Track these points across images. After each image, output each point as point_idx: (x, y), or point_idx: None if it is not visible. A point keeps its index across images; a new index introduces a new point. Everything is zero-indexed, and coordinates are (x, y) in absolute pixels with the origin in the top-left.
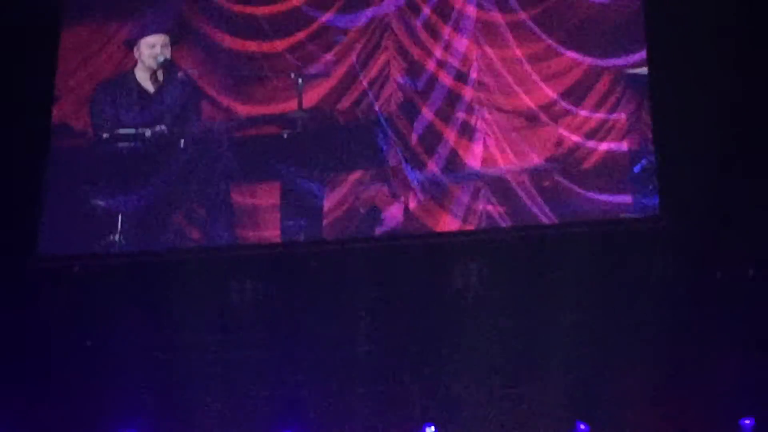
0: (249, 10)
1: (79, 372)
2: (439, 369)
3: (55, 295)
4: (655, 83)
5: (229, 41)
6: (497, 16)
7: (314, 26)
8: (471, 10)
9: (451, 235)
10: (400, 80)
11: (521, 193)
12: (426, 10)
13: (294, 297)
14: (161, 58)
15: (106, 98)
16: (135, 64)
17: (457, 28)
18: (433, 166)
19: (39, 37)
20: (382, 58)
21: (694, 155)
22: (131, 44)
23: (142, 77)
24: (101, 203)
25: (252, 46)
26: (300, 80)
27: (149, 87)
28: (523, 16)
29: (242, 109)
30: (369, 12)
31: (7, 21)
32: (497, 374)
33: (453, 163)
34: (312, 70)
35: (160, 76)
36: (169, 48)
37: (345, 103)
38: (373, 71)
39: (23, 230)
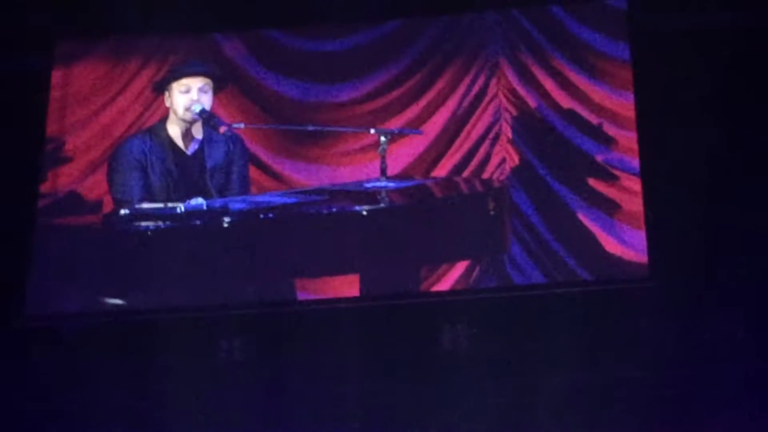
0: (315, 46)
1: None
2: (426, 430)
3: (43, 354)
4: (643, 149)
5: (288, 88)
6: None
7: (401, 66)
8: None
9: (439, 295)
10: (514, 137)
11: None
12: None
13: (281, 357)
14: (198, 108)
15: (131, 159)
16: (166, 115)
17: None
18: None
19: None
20: (490, 109)
21: (683, 217)
22: (162, 87)
23: (177, 133)
24: (115, 301)
25: (317, 93)
26: (383, 138)
27: (186, 146)
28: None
29: (305, 178)
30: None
31: None
32: None
33: None
34: (398, 123)
35: (198, 132)
36: (211, 95)
37: (443, 170)
38: (480, 126)
39: (10, 289)
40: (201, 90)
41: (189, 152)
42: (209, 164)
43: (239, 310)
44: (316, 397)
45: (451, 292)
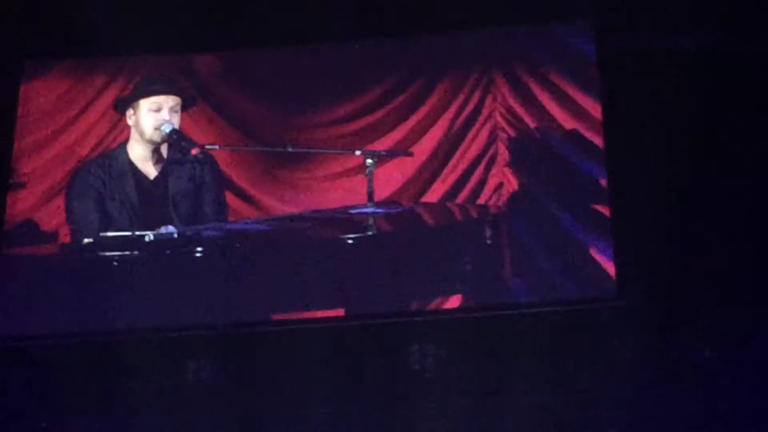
0: (294, 62)
1: None
2: None
3: (8, 375)
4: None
5: (265, 107)
6: None
7: (388, 82)
8: None
9: (408, 315)
10: (512, 159)
11: None
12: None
13: (249, 378)
14: (168, 129)
15: (88, 186)
16: (127, 137)
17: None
18: None
19: None
20: (486, 129)
21: (651, 235)
22: (126, 105)
23: (139, 156)
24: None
25: (298, 112)
26: (369, 160)
27: (150, 171)
28: None
29: (286, 204)
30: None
31: None
32: None
33: None
34: (385, 144)
35: (166, 153)
36: (179, 114)
37: (434, 195)
38: (474, 147)
39: None
40: (172, 109)
41: (152, 177)
42: (172, 190)
43: (208, 330)
44: (284, 419)
45: (420, 312)
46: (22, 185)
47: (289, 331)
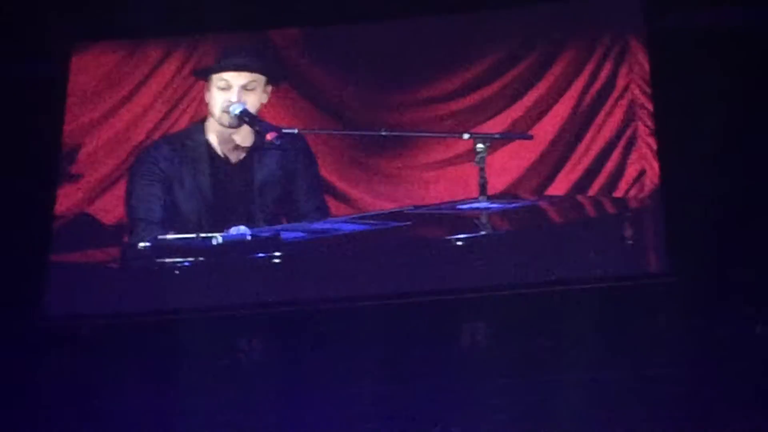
0: (387, 31)
1: None
2: (447, 429)
3: (61, 356)
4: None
5: (354, 85)
6: None
7: (500, 53)
8: None
9: (458, 293)
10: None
11: None
12: None
13: (301, 356)
14: (238, 109)
15: (154, 169)
16: (205, 116)
17: None
18: None
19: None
20: (621, 105)
21: (703, 210)
22: (206, 74)
23: (218, 137)
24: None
25: (393, 90)
26: (480, 145)
27: (230, 155)
28: None
29: (381, 200)
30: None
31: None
32: None
33: None
34: (499, 126)
35: (245, 139)
36: (259, 94)
37: (561, 186)
38: (608, 128)
39: (28, 289)
40: (244, 88)
41: (232, 162)
42: (257, 179)
43: (258, 309)
44: (333, 397)
45: (470, 289)
46: (73, 176)
47: (338, 309)
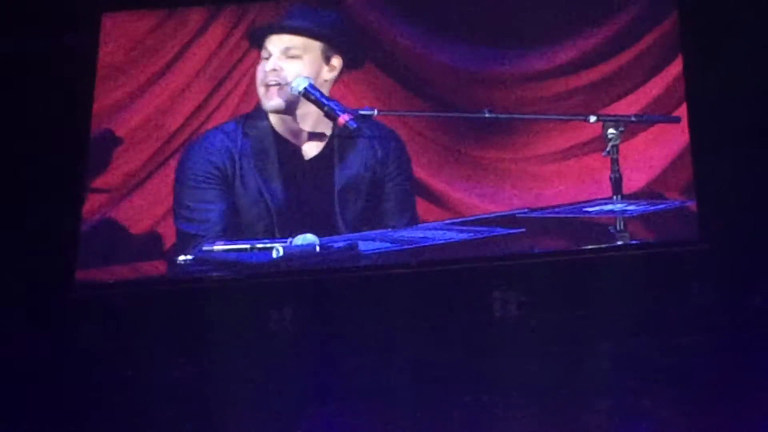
0: None
1: (116, 405)
2: (478, 398)
3: (93, 323)
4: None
5: (446, 51)
6: None
7: (630, 14)
8: None
9: (489, 260)
10: None
11: None
12: None
13: (331, 324)
14: (302, 85)
15: (203, 168)
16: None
17: None
18: None
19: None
20: None
21: (735, 179)
22: (261, 39)
23: (287, 125)
24: None
25: (496, 61)
26: (612, 131)
27: (305, 148)
28: None
29: (484, 201)
30: None
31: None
32: (537, 403)
33: None
34: (633, 107)
35: (322, 124)
36: (317, 67)
37: None
38: None
39: (60, 257)
40: (286, 54)
41: (307, 157)
42: (338, 180)
43: (289, 277)
44: (365, 366)
45: (501, 257)
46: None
47: (371, 276)
